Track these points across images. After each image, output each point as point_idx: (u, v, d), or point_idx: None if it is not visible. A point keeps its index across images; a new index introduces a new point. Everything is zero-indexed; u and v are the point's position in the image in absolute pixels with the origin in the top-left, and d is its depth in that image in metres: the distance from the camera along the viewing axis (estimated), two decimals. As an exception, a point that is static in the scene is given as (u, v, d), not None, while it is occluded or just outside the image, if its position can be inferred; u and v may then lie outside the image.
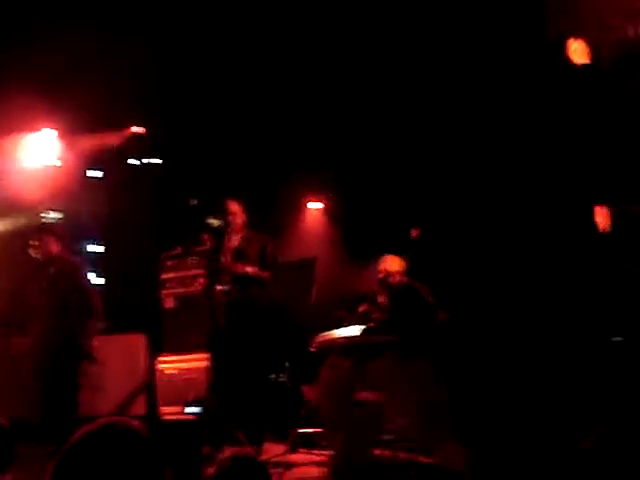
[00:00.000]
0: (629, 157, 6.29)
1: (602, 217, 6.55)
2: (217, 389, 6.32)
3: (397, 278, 6.76)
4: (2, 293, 8.84)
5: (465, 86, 7.74)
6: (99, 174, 10.04)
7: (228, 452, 3.19)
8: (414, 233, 6.57)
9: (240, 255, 6.37)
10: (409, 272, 6.63)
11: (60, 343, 6.22)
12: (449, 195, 8.02)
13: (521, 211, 7.39)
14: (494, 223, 7.60)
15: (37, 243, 6.55)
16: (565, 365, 5.94)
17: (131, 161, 10.19)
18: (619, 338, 5.91)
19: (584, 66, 6.12)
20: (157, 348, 7.82)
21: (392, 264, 6.79)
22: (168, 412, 7.45)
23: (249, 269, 6.30)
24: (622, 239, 6.40)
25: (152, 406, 7.41)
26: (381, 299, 7.43)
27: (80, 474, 1.61)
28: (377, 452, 5.69)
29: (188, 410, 6.52)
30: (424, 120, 8.40)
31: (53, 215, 9.62)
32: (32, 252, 6.55)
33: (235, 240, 6.43)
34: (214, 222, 6.69)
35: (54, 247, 6.53)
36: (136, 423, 1.75)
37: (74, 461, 1.63)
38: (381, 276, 6.77)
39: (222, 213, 6.41)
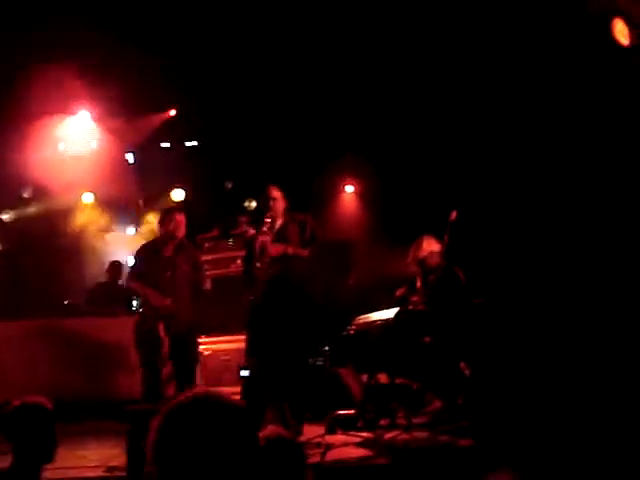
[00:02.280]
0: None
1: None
2: (254, 369, 6.33)
3: (436, 259, 6.72)
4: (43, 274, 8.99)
5: (508, 68, 7.66)
6: (134, 157, 10.10)
7: (262, 433, 3.19)
8: (452, 215, 6.51)
9: (281, 237, 6.39)
10: (446, 254, 6.60)
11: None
12: (489, 177, 7.96)
13: (563, 196, 7.32)
14: (534, 207, 7.54)
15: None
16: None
17: (166, 144, 10.25)
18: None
19: (630, 46, 6.01)
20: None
21: (433, 244, 6.75)
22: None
23: (288, 249, 6.31)
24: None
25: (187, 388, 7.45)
26: (419, 283, 7.42)
27: (181, 439, 1.64)
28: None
29: (243, 373, 6.50)
30: (463, 102, 8.32)
31: (88, 196, 9.74)
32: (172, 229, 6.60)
33: (276, 224, 6.45)
34: (250, 205, 6.70)
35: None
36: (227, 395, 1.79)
37: (174, 428, 1.66)
38: (422, 255, 6.72)
39: (264, 198, 6.42)
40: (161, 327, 6.44)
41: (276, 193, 6.46)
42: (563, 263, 7.27)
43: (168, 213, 6.78)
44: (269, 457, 3.13)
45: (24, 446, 3.30)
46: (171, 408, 1.70)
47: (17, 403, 3.37)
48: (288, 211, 6.53)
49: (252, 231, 6.55)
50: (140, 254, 6.83)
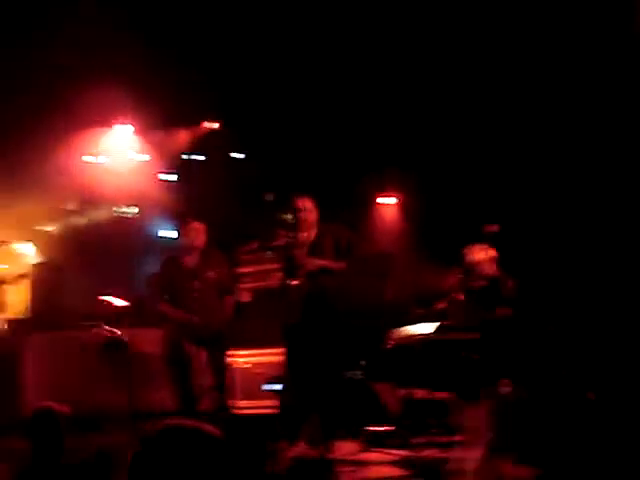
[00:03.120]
0: None
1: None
2: (290, 384, 6.27)
3: (486, 269, 6.46)
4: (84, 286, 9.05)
5: (539, 74, 7.51)
6: (174, 171, 10.15)
7: (292, 452, 3.14)
8: (492, 229, 6.35)
9: (315, 249, 6.30)
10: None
11: None
12: (527, 190, 7.80)
13: (600, 204, 7.13)
14: (574, 218, 7.36)
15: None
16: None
17: (203, 157, 10.27)
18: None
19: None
20: (231, 342, 7.82)
21: (479, 253, 6.49)
22: (239, 406, 7.47)
23: (324, 262, 6.22)
24: None
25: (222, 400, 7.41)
26: (460, 296, 7.26)
27: (155, 469, 1.61)
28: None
29: (267, 387, 6.47)
30: (499, 112, 8.19)
31: (128, 210, 9.81)
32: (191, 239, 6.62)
33: (310, 236, 6.36)
34: (288, 218, 6.64)
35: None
36: (207, 426, 1.75)
37: (145, 461, 1.63)
38: (474, 260, 6.46)
39: (292, 209, 6.33)
40: (186, 342, 6.45)
41: (304, 204, 6.35)
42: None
43: (186, 223, 6.79)
44: (297, 476, 3.08)
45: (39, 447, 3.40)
46: (145, 438, 1.66)
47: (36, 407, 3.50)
48: (322, 222, 6.43)
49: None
50: (163, 269, 6.83)
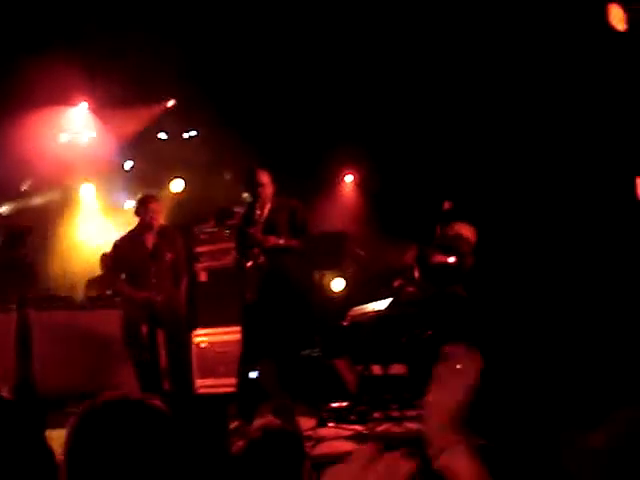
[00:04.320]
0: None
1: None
2: (248, 362, 6.29)
3: (465, 246, 6.46)
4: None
5: (502, 54, 7.56)
6: (132, 148, 10.06)
7: (258, 424, 3.14)
8: (446, 205, 6.41)
9: (270, 226, 6.27)
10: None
11: None
12: (483, 167, 7.86)
13: (559, 182, 7.21)
14: (531, 195, 7.43)
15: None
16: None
17: (163, 135, 10.18)
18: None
19: (625, 32, 5.91)
20: (189, 322, 7.83)
21: (464, 229, 6.49)
22: (198, 385, 7.50)
23: (281, 241, 6.22)
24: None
25: (186, 380, 7.42)
26: (416, 273, 7.33)
27: (95, 443, 1.59)
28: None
29: (252, 375, 6.47)
30: (457, 90, 8.23)
31: (87, 188, 9.70)
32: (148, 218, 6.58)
33: (264, 211, 6.32)
34: (247, 196, 6.61)
35: None
36: (149, 398, 1.73)
37: (83, 435, 1.62)
38: (450, 234, 6.43)
39: (251, 184, 6.29)
40: (144, 324, 6.45)
41: (264, 178, 6.29)
42: (558, 259, 7.18)
43: (143, 203, 6.76)
44: (267, 448, 3.09)
45: None
46: (83, 413, 1.64)
47: None
48: (276, 196, 6.39)
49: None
50: (119, 247, 6.80)
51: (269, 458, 3.07)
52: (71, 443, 1.61)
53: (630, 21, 5.92)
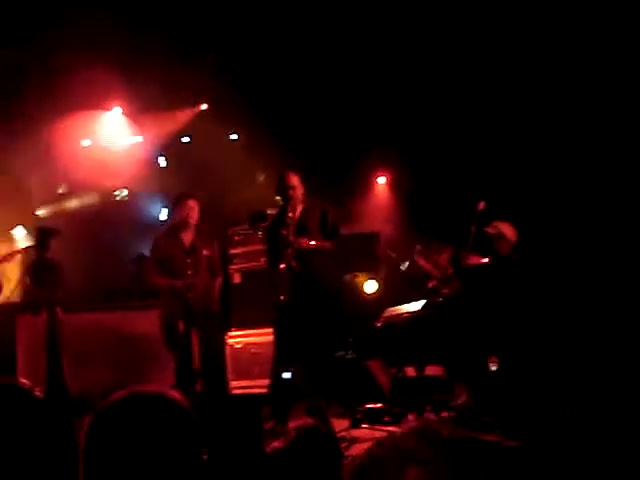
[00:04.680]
0: None
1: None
2: (281, 364, 6.29)
3: (505, 246, 6.37)
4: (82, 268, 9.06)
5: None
6: (167, 153, 10.14)
7: (293, 424, 3.14)
8: (480, 206, 6.36)
9: (302, 228, 6.27)
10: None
11: None
12: (516, 168, 7.81)
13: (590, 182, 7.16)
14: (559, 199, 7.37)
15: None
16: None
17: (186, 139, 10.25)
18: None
19: None
20: (226, 323, 7.87)
21: (506, 228, 6.41)
22: (236, 386, 7.52)
23: (312, 243, 6.22)
24: None
25: (220, 381, 7.45)
26: (450, 276, 7.28)
27: (113, 436, 1.59)
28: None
29: (285, 375, 6.48)
30: (490, 90, 8.19)
31: (125, 193, 9.81)
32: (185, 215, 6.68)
33: (296, 213, 6.33)
34: (279, 199, 6.62)
35: None
36: (174, 393, 1.72)
37: (106, 427, 1.61)
38: (492, 232, 6.32)
39: (282, 186, 6.31)
40: (181, 323, 6.48)
41: (294, 180, 6.31)
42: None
43: (180, 199, 6.78)
44: (302, 448, 3.09)
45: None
46: (101, 410, 1.64)
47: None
48: (308, 198, 6.40)
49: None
50: (157, 244, 6.83)
51: (304, 458, 3.07)
52: (88, 439, 1.61)
53: None
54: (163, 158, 10.08)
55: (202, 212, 6.82)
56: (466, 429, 5.55)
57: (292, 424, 3.22)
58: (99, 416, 1.63)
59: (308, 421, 3.26)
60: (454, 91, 8.57)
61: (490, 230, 6.35)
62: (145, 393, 1.69)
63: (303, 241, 6.20)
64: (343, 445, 5.38)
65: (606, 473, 4.11)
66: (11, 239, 9.44)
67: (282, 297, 6.22)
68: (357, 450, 5.36)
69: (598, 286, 6.91)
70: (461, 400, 6.24)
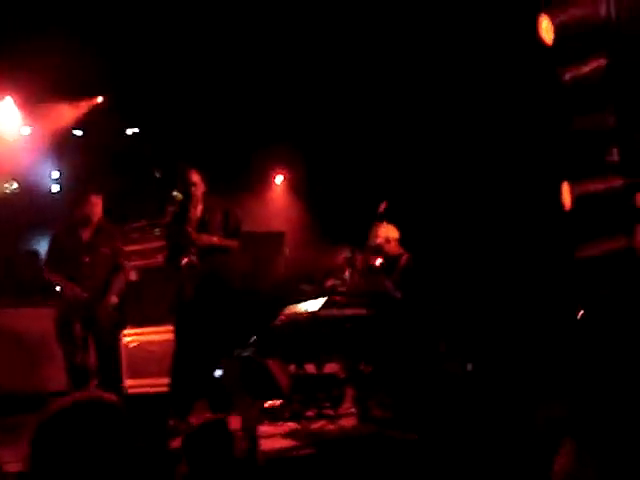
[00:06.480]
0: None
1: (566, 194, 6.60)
2: (182, 362, 6.26)
3: (395, 247, 6.67)
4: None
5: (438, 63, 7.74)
6: (59, 145, 9.85)
7: (194, 420, 3.17)
8: (383, 206, 6.55)
9: (203, 225, 6.28)
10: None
11: None
12: (416, 168, 8.02)
13: (488, 185, 7.43)
14: (462, 194, 7.62)
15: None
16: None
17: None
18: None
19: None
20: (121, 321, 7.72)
21: (391, 231, 6.72)
22: (128, 385, 7.41)
23: (215, 239, 6.23)
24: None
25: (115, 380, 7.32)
26: (347, 273, 7.45)
27: (57, 446, 1.60)
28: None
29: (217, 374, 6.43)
30: (389, 88, 8.36)
31: (15, 185, 9.47)
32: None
33: (197, 211, 6.34)
34: (178, 195, 6.59)
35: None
36: (112, 397, 1.74)
37: (52, 434, 1.62)
38: (379, 241, 6.66)
39: (183, 183, 6.30)
40: (77, 323, 6.35)
41: (195, 177, 6.33)
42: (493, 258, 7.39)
43: (83, 195, 6.64)
44: (201, 442, 3.12)
45: None
46: (46, 416, 1.65)
47: None
48: (207, 195, 6.42)
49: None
50: (56, 239, 6.66)
51: (205, 452, 3.12)
52: (36, 444, 1.62)
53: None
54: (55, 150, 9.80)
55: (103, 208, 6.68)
56: (369, 424, 5.71)
57: (194, 420, 3.25)
58: (44, 424, 1.65)
59: (210, 416, 3.30)
60: (354, 87, 8.69)
61: (376, 236, 6.64)
62: (86, 399, 1.71)
63: (206, 238, 6.20)
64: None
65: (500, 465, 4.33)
66: None
67: (184, 293, 6.20)
68: (260, 446, 5.42)
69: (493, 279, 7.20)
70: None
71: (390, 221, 6.70)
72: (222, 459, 3.17)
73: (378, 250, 6.73)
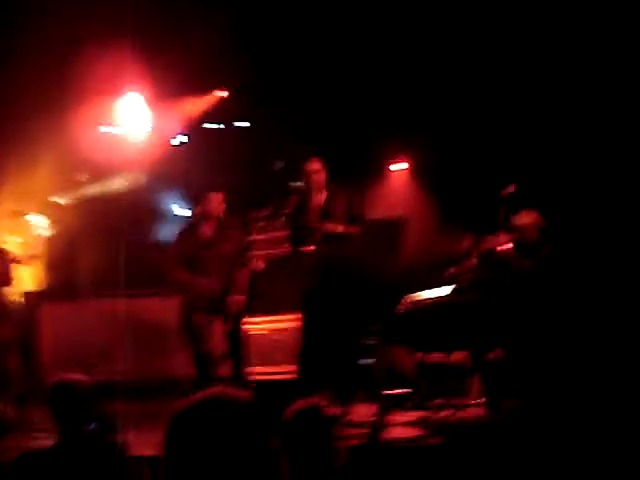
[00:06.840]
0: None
1: None
2: (309, 350, 6.30)
3: (533, 234, 6.31)
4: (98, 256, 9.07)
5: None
6: (185, 139, 10.10)
7: (294, 406, 3.16)
8: (509, 189, 6.31)
9: (326, 213, 6.29)
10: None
11: None
12: (542, 152, 7.76)
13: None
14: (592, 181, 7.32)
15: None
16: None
17: (214, 125, 10.22)
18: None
19: None
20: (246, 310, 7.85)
21: (532, 216, 6.35)
22: (256, 372, 7.52)
23: (339, 227, 6.23)
24: None
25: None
26: (473, 261, 7.26)
27: (190, 439, 1.61)
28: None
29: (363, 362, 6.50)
30: (511, 71, 8.12)
31: (141, 181, 9.78)
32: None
33: (319, 199, 6.34)
34: (301, 184, 6.65)
35: None
36: (244, 394, 1.73)
37: (185, 427, 1.63)
38: (519, 223, 6.32)
39: (305, 172, 6.33)
40: (197, 313, 6.46)
41: (316, 165, 6.33)
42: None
43: (204, 192, 6.74)
44: (296, 429, 3.12)
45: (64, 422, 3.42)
46: (180, 410, 1.65)
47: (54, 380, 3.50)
48: (330, 183, 6.41)
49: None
50: (178, 237, 6.80)
51: (300, 435, 3.11)
52: (170, 439, 1.63)
53: None
54: (185, 144, 10.07)
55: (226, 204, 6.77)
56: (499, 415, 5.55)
57: (294, 406, 3.23)
58: (178, 418, 1.65)
59: (309, 402, 3.29)
60: (479, 72, 8.49)
61: (516, 221, 6.29)
62: (220, 395, 1.70)
63: (329, 226, 6.21)
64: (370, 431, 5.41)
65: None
66: (28, 226, 9.42)
67: (308, 282, 6.24)
68: (384, 435, 5.38)
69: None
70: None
71: (524, 206, 6.37)
72: (319, 448, 3.14)
73: (512, 235, 6.39)
